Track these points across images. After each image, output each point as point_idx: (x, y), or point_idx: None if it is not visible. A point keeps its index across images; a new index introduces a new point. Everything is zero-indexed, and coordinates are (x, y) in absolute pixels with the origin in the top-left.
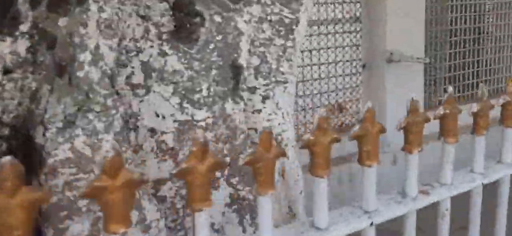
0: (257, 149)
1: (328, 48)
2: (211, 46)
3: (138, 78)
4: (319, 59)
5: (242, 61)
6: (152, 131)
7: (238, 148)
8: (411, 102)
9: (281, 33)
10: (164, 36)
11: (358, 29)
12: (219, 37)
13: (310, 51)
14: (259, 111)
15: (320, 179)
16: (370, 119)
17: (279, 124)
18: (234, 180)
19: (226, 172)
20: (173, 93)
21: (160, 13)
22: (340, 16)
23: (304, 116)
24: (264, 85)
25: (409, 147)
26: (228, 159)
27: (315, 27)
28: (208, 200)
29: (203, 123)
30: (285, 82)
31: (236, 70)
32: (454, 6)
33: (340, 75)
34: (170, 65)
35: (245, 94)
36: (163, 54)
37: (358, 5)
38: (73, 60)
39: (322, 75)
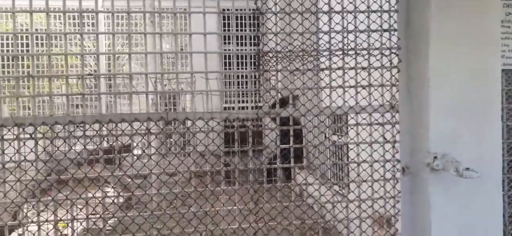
0: None
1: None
2: None
3: None
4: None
5: None
6: None
7: None
8: None
9: None
10: None
11: (393, 120)
12: None
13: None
14: None
15: None
16: None
17: None
18: None
19: None
20: None
21: None
22: (369, 101)
23: None
24: None
25: None
26: None
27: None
28: None
29: None
30: None
31: None
32: None
33: (368, 180)
34: None
35: None
36: None
37: (394, 89)
38: None
39: (352, 176)
